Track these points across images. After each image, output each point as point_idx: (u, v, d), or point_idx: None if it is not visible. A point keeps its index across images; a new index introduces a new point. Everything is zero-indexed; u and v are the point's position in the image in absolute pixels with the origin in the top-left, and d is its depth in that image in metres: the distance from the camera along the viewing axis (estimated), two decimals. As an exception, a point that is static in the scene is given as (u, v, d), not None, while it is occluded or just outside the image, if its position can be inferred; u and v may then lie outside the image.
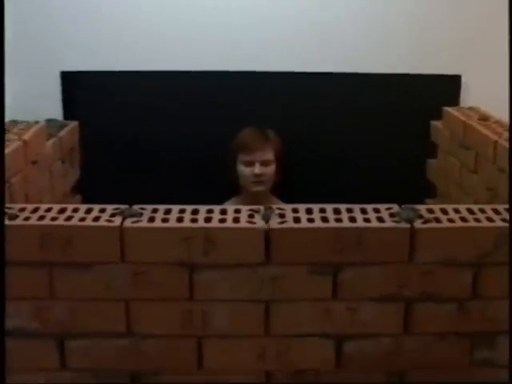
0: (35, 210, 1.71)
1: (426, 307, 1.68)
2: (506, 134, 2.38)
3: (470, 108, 2.97)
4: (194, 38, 3.11)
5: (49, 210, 1.71)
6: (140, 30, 3.13)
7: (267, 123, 3.06)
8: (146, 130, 3.22)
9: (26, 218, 1.66)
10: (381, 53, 3.12)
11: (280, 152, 3.04)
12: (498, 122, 2.61)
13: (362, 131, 3.21)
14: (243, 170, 2.99)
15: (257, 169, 2.96)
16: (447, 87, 3.20)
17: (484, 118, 2.68)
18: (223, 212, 1.68)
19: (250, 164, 2.97)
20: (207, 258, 1.61)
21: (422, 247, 1.61)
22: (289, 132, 3.08)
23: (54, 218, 1.65)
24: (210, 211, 1.68)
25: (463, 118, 2.71)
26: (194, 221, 1.63)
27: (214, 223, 1.61)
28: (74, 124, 3.11)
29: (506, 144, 2.27)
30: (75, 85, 3.23)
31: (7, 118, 2.51)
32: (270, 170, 3.00)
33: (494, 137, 2.37)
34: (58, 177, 2.80)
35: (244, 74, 3.12)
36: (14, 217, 1.66)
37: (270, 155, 2.99)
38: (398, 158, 3.18)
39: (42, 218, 1.66)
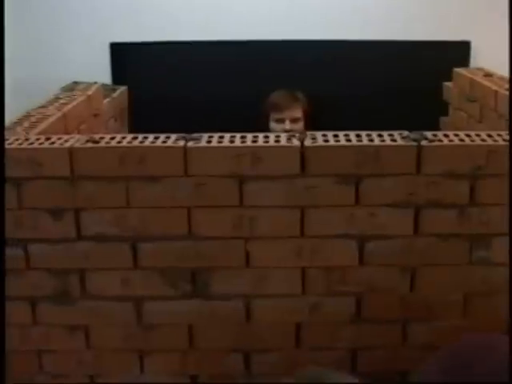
0: (113, 138, 2.10)
1: (431, 212, 2.05)
2: (507, 86, 2.75)
3: (478, 68, 3.33)
4: (232, 10, 3.47)
5: (124, 137, 2.10)
6: (181, 4, 3.49)
7: (297, 86, 3.44)
8: (189, 95, 3.59)
9: (107, 143, 2.05)
10: (397, 21, 3.48)
11: (308, 110, 3.42)
12: (501, 77, 2.96)
13: (381, 93, 3.58)
14: (275, 126, 3.38)
15: (287, 125, 3.34)
16: (458, 52, 3.55)
17: (489, 75, 3.04)
18: (266, 136, 2.06)
19: (281, 121, 3.36)
20: (254, 171, 1.99)
21: (427, 162, 1.99)
22: (316, 93, 3.46)
23: (129, 142, 2.04)
24: (255, 136, 2.06)
25: (470, 75, 3.07)
26: (243, 142, 2.02)
27: (260, 143, 2.00)
28: (123, 88, 3.50)
29: (506, 93, 2.64)
30: (123, 55, 3.61)
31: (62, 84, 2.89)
32: (299, 126, 3.38)
33: (495, 87, 2.73)
34: (112, 132, 3.20)
35: (278, 42, 3.50)
36: (96, 141, 2.06)
37: (298, 113, 3.38)
38: (415, 117, 3.54)
39: (119, 142, 2.06)
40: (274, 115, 3.37)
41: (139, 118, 3.55)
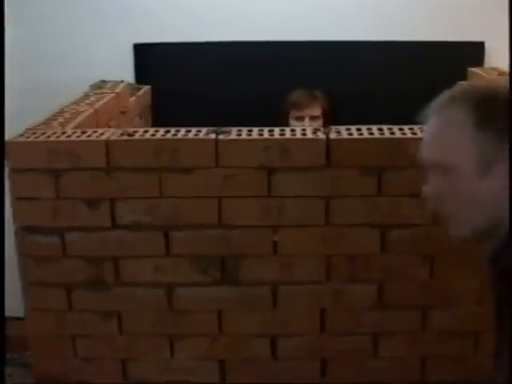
0: (146, 131, 2.21)
1: (451, 202, 2.14)
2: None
3: (493, 68, 3.42)
4: (253, 11, 3.58)
5: (157, 131, 2.21)
6: (202, 5, 3.60)
7: (316, 85, 3.54)
8: (210, 94, 3.69)
9: (141, 136, 2.16)
10: (413, 22, 3.57)
11: (326, 109, 3.52)
12: (515, 76, 3.05)
13: (397, 93, 3.67)
14: (294, 124, 3.47)
15: (306, 123, 3.44)
16: (472, 53, 3.64)
17: (502, 73, 3.13)
18: (293, 130, 2.17)
19: (300, 119, 3.46)
20: (281, 162, 2.10)
21: (447, 153, 2.08)
22: (334, 92, 3.56)
23: (162, 135, 2.15)
24: (282, 129, 2.17)
25: (484, 74, 3.17)
26: (271, 135, 2.12)
27: (287, 136, 2.11)
28: (147, 87, 3.61)
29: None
30: (146, 55, 3.71)
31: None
32: (318, 124, 3.47)
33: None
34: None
35: (297, 43, 3.60)
36: (131, 134, 2.17)
37: (317, 111, 3.48)
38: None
39: (153, 135, 2.16)
40: (293, 113, 3.47)
41: (161, 117, 3.65)
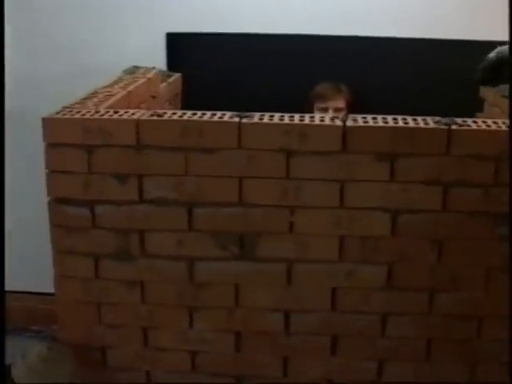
0: (174, 113, 2.35)
1: (458, 190, 2.25)
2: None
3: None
4: (285, 5, 3.70)
5: (184, 113, 2.35)
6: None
7: (343, 79, 3.67)
8: (239, 84, 3.82)
9: (170, 116, 2.30)
10: (436, 20, 3.68)
11: (351, 102, 3.64)
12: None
13: (420, 89, 3.78)
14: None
15: (330, 115, 3.55)
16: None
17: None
18: (312, 116, 2.30)
19: (325, 110, 3.58)
20: (300, 146, 2.23)
21: (456, 144, 2.20)
22: (360, 87, 3.68)
23: (189, 117, 2.29)
24: (302, 116, 2.30)
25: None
26: (291, 120, 2.26)
27: (306, 121, 2.24)
28: (178, 75, 3.75)
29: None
30: (178, 44, 3.86)
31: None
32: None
33: (528, 83, 2.91)
34: (167, 114, 3.45)
35: (325, 37, 3.71)
36: (160, 115, 2.31)
37: (341, 103, 3.60)
38: (452, 112, 3.73)
39: (181, 116, 2.30)
40: (318, 105, 3.59)
41: (190, 104, 3.78)
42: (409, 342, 2.45)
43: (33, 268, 3.65)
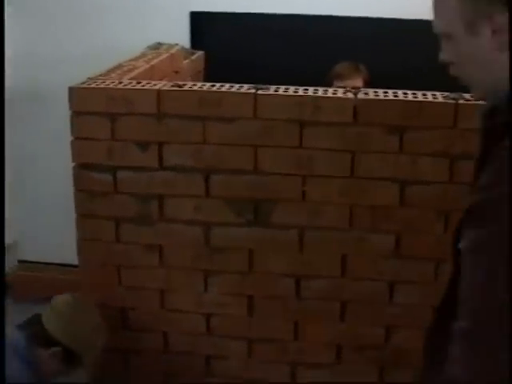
0: (194, 85, 2.46)
1: (465, 163, 2.34)
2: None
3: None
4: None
5: (203, 84, 2.46)
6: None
7: (361, 60, 3.75)
8: (260, 63, 3.91)
9: (190, 87, 2.42)
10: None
11: (368, 81, 3.73)
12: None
13: (434, 72, 3.84)
14: (337, 94, 3.69)
15: (348, 93, 3.65)
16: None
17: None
18: (326, 89, 2.40)
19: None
20: (313, 117, 2.33)
21: (463, 117, 2.29)
22: (376, 68, 3.76)
23: (208, 88, 2.40)
24: (316, 88, 2.40)
25: None
26: (305, 92, 2.36)
27: (320, 94, 2.34)
28: (201, 53, 3.85)
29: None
30: (201, 23, 3.96)
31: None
32: (359, 95, 3.68)
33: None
34: (189, 90, 3.55)
35: (346, 19, 3.80)
36: (180, 86, 2.42)
37: (359, 82, 3.68)
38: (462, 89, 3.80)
39: (200, 87, 2.41)
40: (336, 83, 3.67)
41: (213, 81, 3.89)
42: (415, 309, 2.53)
43: (57, 239, 3.78)
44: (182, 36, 3.88)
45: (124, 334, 2.67)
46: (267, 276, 2.53)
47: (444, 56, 1.43)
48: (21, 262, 4.14)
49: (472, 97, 2.28)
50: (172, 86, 2.39)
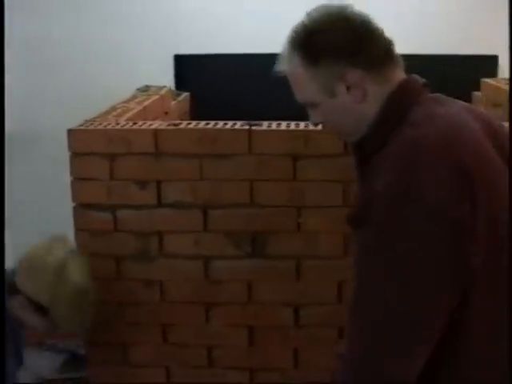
0: (189, 123, 2.56)
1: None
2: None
3: (504, 79, 3.73)
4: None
5: (198, 123, 2.55)
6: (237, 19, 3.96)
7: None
8: (244, 103, 4.02)
9: (185, 126, 2.51)
10: (429, 36, 3.90)
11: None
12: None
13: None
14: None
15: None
16: (486, 66, 3.96)
17: (512, 84, 3.43)
18: (316, 123, 2.49)
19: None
20: (305, 150, 2.43)
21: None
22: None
23: (203, 126, 2.50)
24: (306, 124, 2.50)
25: (496, 84, 3.48)
26: (297, 126, 2.46)
27: (311, 127, 2.44)
28: (186, 94, 3.97)
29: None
30: (185, 65, 4.08)
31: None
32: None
33: (515, 92, 3.12)
34: (178, 130, 3.65)
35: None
36: (176, 125, 2.52)
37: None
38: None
39: (195, 126, 2.51)
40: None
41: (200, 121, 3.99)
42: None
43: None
44: (167, 78, 3.99)
45: (127, 371, 2.71)
46: (266, 306, 2.60)
47: (314, 120, 1.64)
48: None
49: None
50: (168, 125, 2.48)
